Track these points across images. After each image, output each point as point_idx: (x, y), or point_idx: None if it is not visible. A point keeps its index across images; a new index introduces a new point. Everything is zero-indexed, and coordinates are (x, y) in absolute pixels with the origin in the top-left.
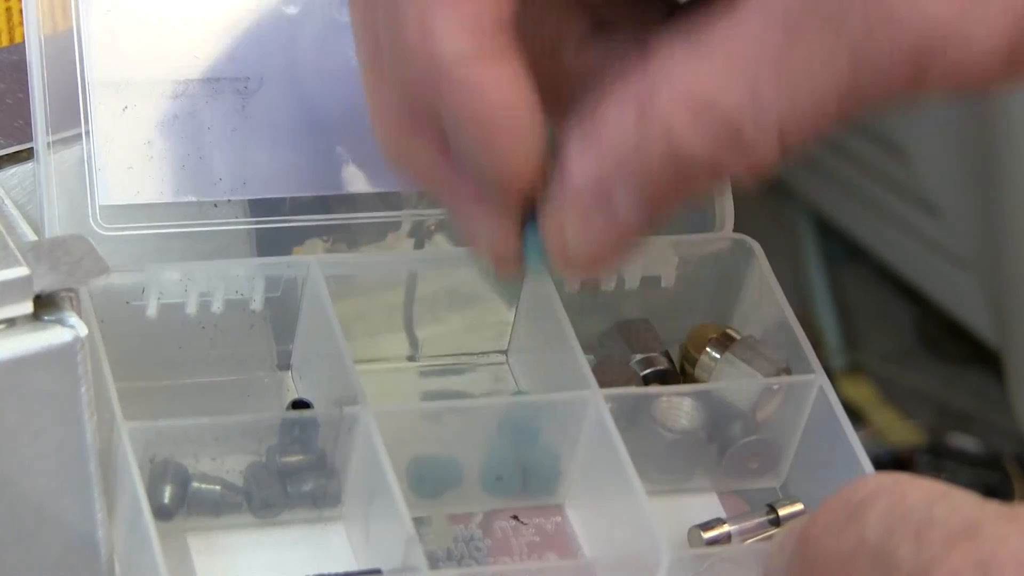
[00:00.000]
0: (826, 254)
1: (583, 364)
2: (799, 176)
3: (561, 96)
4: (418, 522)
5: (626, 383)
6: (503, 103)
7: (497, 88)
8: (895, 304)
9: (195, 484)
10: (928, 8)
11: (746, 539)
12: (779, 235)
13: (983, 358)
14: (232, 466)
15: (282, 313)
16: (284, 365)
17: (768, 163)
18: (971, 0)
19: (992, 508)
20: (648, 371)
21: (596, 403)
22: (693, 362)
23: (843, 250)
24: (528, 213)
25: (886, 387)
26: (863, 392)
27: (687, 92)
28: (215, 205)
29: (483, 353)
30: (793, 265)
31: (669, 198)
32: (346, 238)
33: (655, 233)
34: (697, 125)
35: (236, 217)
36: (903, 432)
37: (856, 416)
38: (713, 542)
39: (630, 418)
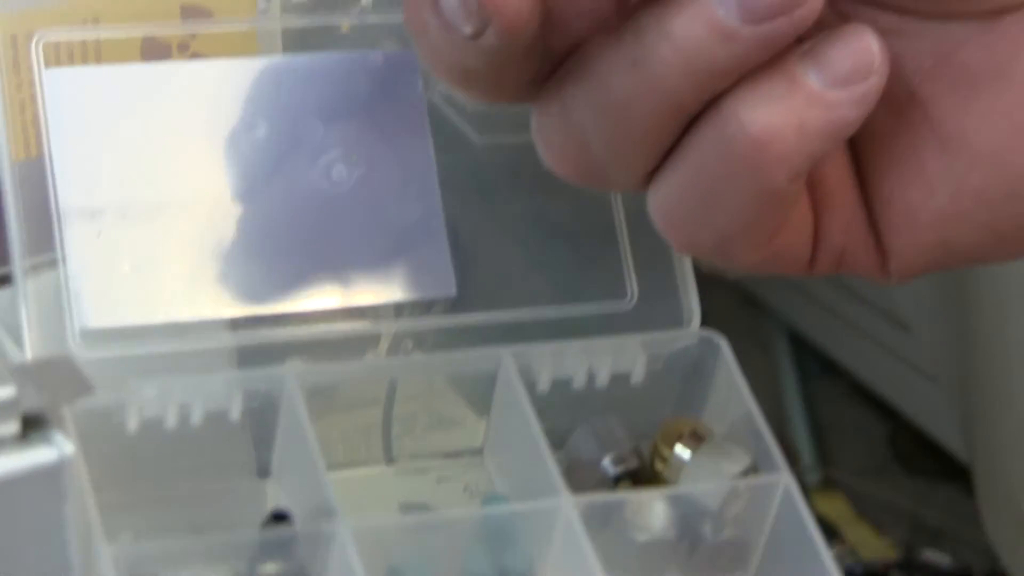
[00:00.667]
0: (800, 369)
1: (552, 468)
2: (773, 292)
3: None
4: None
5: (597, 485)
6: None
7: None
8: (868, 419)
9: None
10: None
11: None
12: (754, 350)
13: (954, 473)
14: None
15: (262, 422)
16: (264, 472)
17: None
18: None
19: None
20: (619, 470)
21: (567, 510)
22: (663, 459)
23: (817, 365)
24: None
25: (860, 502)
26: (837, 507)
27: None
28: (194, 325)
29: (458, 454)
30: (768, 380)
31: None
32: (326, 354)
33: None
34: None
35: (215, 334)
36: (877, 547)
37: (830, 532)
38: None
39: (602, 520)
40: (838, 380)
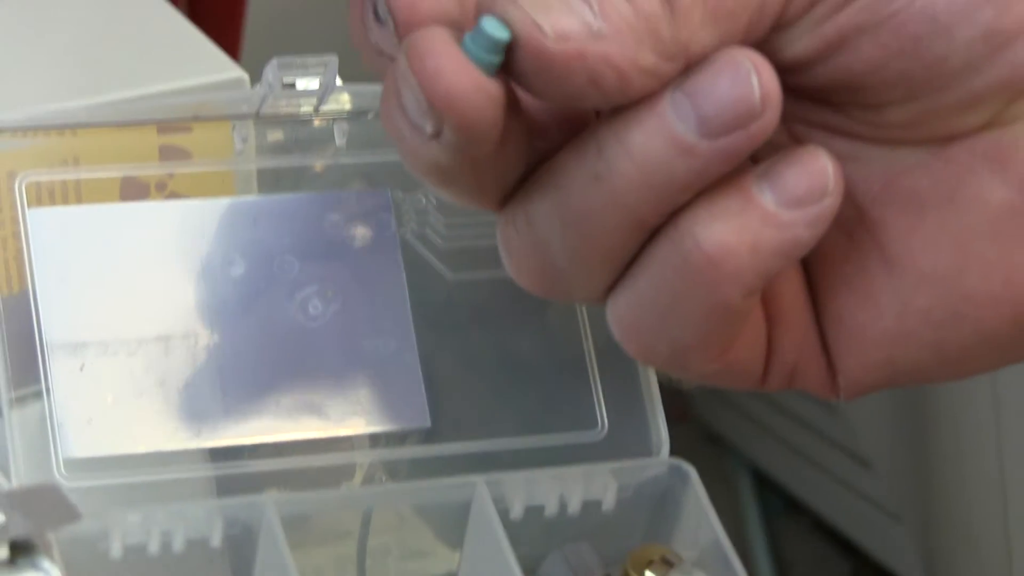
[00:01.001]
0: (763, 506)
1: None
2: (736, 430)
3: None
4: None
5: None
6: None
7: None
8: (831, 556)
9: None
10: None
11: None
12: (717, 487)
13: None
14: None
15: (241, 548)
16: None
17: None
18: None
19: None
20: None
21: None
22: None
23: (780, 503)
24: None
25: None
26: None
27: None
28: (174, 454)
29: None
30: (731, 517)
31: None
32: (303, 485)
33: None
34: None
35: (195, 463)
36: None
37: None
38: None
39: None
40: (801, 517)
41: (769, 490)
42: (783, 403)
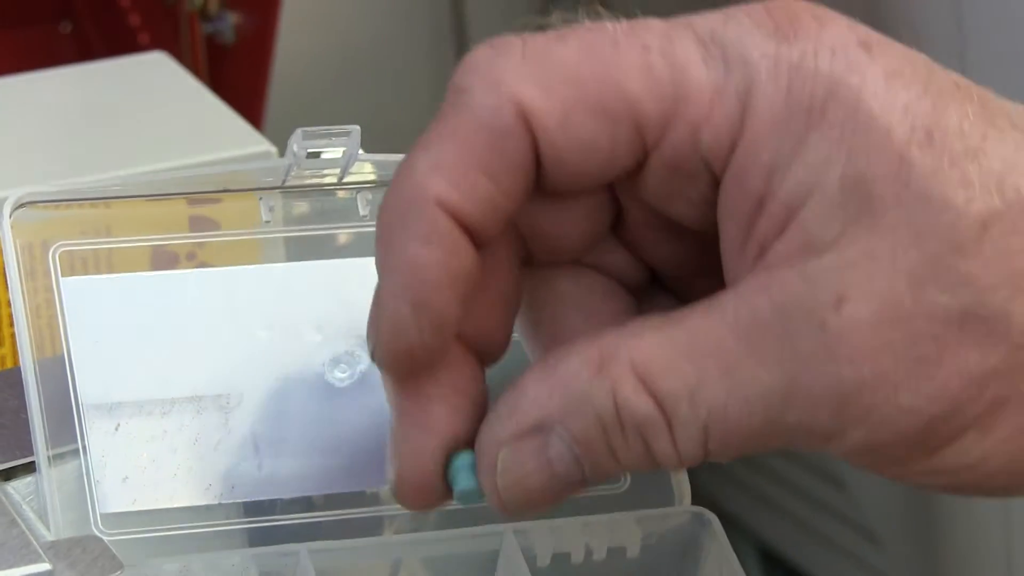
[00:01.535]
0: None
1: None
2: (742, 506)
3: (552, 310)
4: None
5: None
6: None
7: (433, 269)
8: None
9: None
10: (860, 359)
11: None
12: None
13: None
14: None
15: None
16: None
17: (687, 456)
18: (906, 365)
19: None
20: None
21: None
22: None
23: None
24: (460, 442)
25: None
26: None
27: (641, 363)
28: (207, 508)
29: None
30: None
31: (601, 460)
32: (332, 538)
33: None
34: (637, 396)
35: (229, 518)
36: None
37: None
38: None
39: None
40: None
41: (776, 566)
42: (789, 479)
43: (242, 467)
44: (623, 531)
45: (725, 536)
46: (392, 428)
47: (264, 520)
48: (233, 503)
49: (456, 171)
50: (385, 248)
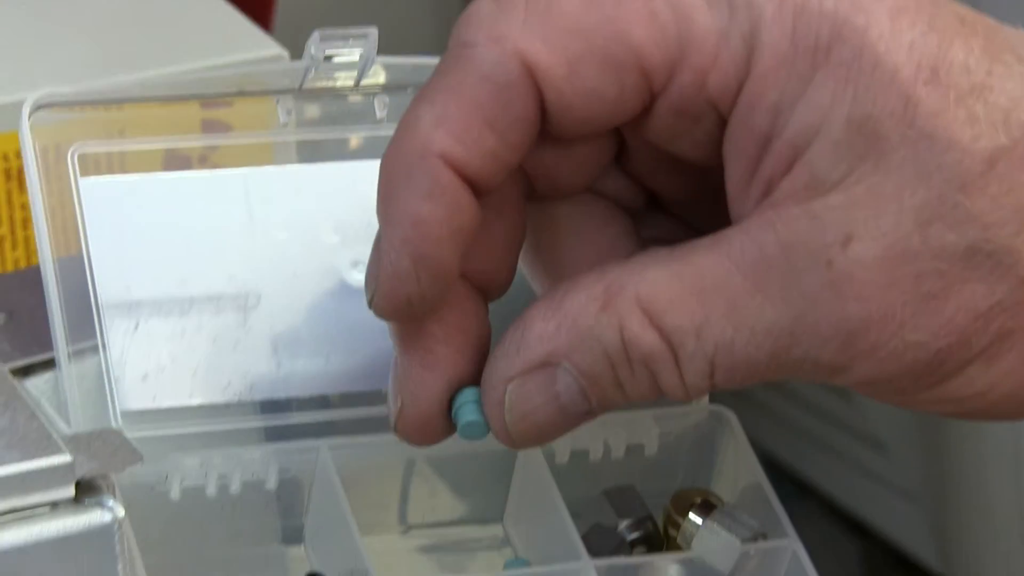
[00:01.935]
0: (776, 494)
1: (573, 533)
2: (747, 417)
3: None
4: None
5: (614, 550)
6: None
7: (435, 225)
8: (841, 537)
9: None
10: (866, 297)
11: None
12: None
13: None
14: None
15: (294, 492)
16: (296, 539)
17: (694, 388)
18: (912, 302)
19: None
20: (635, 536)
21: (587, 573)
22: (676, 526)
23: (792, 489)
24: (456, 387)
25: None
26: None
27: (648, 298)
28: (226, 407)
29: (480, 522)
30: None
31: (607, 393)
32: (350, 434)
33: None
34: (643, 331)
35: (247, 416)
36: None
37: None
38: None
39: None
40: (811, 500)
41: (781, 477)
42: (796, 391)
43: (260, 366)
44: (641, 429)
45: (743, 434)
46: (395, 366)
47: (281, 418)
48: (251, 401)
49: (460, 126)
50: (387, 200)
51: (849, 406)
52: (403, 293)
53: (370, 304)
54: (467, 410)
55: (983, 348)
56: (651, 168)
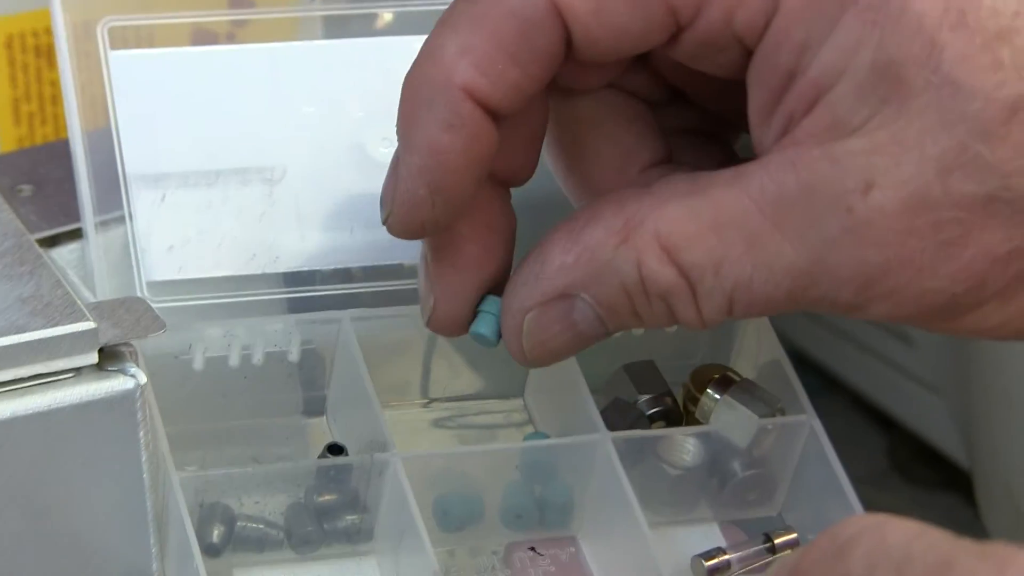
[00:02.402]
0: (802, 387)
1: (592, 408)
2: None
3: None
4: (444, 554)
5: (633, 423)
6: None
7: (454, 155)
8: (868, 430)
9: (240, 524)
10: (886, 244)
11: (745, 567)
12: None
13: (954, 481)
14: (273, 507)
15: (316, 363)
16: (317, 411)
17: (711, 321)
18: (931, 249)
19: (965, 545)
20: (653, 411)
21: (605, 445)
22: (695, 401)
23: (818, 382)
24: (486, 287)
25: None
26: None
27: (666, 235)
28: (250, 278)
29: (501, 395)
30: None
31: (624, 321)
32: (372, 307)
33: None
34: (662, 267)
35: (270, 288)
36: None
37: None
38: (714, 570)
39: (637, 456)
40: (838, 394)
41: (808, 369)
42: None
43: (285, 238)
44: None
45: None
46: (424, 265)
47: (305, 290)
48: (275, 273)
49: (485, 57)
50: (407, 125)
51: None
52: (417, 218)
53: (384, 223)
54: (483, 322)
55: (999, 290)
56: (673, 70)
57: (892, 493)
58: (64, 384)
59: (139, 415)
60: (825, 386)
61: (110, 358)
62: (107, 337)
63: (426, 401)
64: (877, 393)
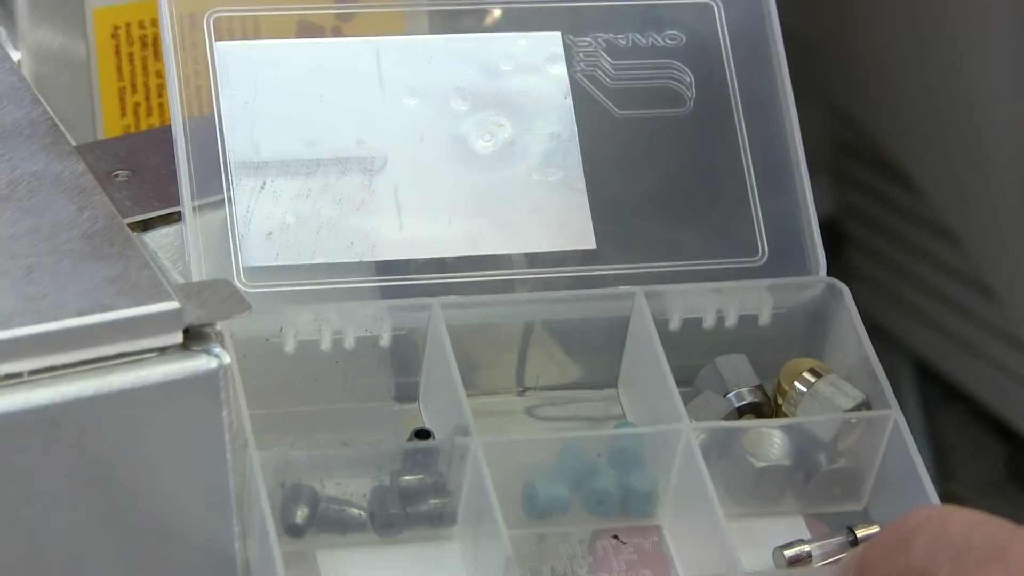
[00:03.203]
0: (923, 397)
1: (677, 398)
2: (897, 322)
3: None
4: (528, 540)
5: (722, 415)
6: None
7: None
8: (987, 440)
9: (324, 505)
10: None
11: (826, 559)
12: None
13: None
14: (357, 489)
15: (408, 349)
16: (408, 396)
17: None
18: None
19: (1022, 533)
20: (743, 404)
21: (688, 435)
22: (784, 395)
23: (939, 393)
24: None
25: None
26: None
27: None
28: (347, 266)
29: (591, 386)
30: None
31: None
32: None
33: None
34: None
35: (364, 276)
36: None
37: None
38: (795, 560)
39: (722, 448)
40: (959, 405)
41: (930, 381)
42: (942, 292)
43: (383, 227)
44: (755, 299)
45: (855, 307)
46: None
47: (399, 279)
48: (371, 262)
49: None
50: None
51: (996, 306)
52: None
53: None
54: None
55: None
56: None
57: (1010, 503)
58: (148, 363)
59: (222, 395)
60: (945, 397)
61: (195, 338)
62: (192, 317)
63: (521, 390)
64: (996, 403)
